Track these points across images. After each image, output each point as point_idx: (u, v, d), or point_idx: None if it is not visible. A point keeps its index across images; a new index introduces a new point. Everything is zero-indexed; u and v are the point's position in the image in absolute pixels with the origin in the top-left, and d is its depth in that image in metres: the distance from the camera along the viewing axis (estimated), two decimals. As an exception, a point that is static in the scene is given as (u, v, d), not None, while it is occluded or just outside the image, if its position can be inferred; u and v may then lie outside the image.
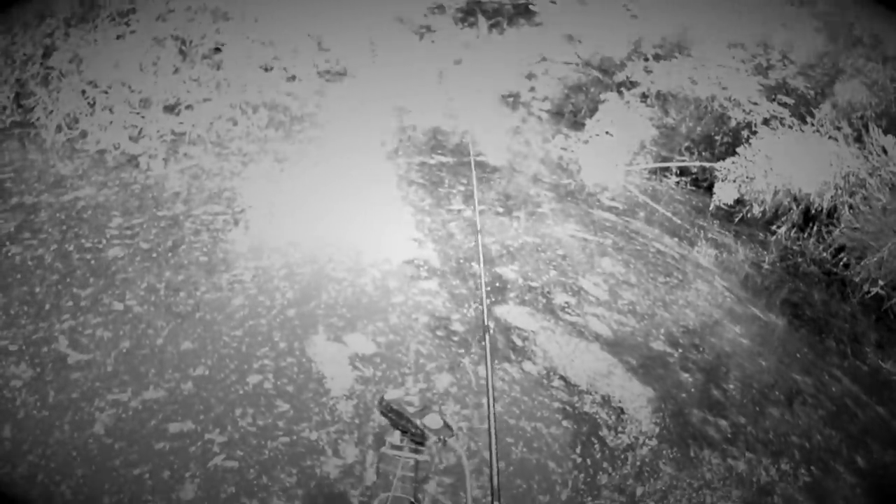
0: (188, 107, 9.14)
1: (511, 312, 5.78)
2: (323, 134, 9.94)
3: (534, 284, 6.42)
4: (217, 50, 10.71)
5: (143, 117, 8.47)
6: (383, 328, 5.25)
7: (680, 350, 5.84)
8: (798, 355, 6.31)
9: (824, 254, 8.29)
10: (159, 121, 8.59)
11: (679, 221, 9.17)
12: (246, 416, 4.14)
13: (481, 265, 2.89)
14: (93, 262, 5.38)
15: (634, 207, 9.47)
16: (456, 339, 5.22)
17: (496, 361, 5.08)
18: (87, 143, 7.83)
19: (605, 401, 4.91)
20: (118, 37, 9.37)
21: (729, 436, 4.88)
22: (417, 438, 1.92)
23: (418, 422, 1.90)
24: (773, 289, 7.78)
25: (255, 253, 6.04)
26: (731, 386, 5.51)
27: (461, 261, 6.65)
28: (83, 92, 8.40)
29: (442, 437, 1.89)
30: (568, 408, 4.74)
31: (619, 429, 4.65)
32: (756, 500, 4.36)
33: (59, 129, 7.98)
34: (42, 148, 7.76)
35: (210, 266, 5.66)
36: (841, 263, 7.96)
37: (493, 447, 1.74)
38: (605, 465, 4.31)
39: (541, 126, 13.96)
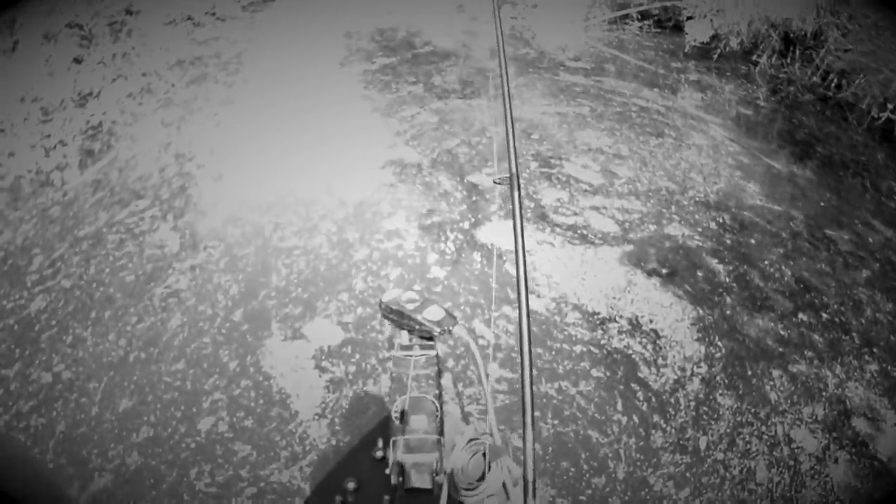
0: (96, 95, 7.29)
1: (497, 232, 4.52)
2: (259, 72, 7.94)
3: (516, 186, 5.12)
4: (126, 19, 8.70)
5: (52, 124, 6.70)
6: (348, 301, 3.97)
7: (700, 230, 4.66)
8: (822, 203, 5.16)
9: (814, 77, 6.98)
10: (72, 120, 6.81)
11: (654, 68, 7.76)
12: (203, 476, 3.06)
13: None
14: (16, 327, 4.04)
15: (602, 64, 8.01)
16: (438, 289, 3.96)
17: (492, 308, 3.85)
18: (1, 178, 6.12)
19: (634, 325, 3.78)
20: (3, 52, 7.41)
21: (782, 334, 3.80)
22: (424, 334, 1.70)
23: (419, 317, 1.68)
24: (768, 123, 6.53)
25: (189, 249, 4.62)
26: (766, 263, 4.38)
27: (425, 175, 5.31)
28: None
29: (446, 326, 1.67)
30: (594, 349, 3.60)
31: (660, 361, 3.54)
32: (831, 415, 3.33)
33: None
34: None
35: (138, 286, 4.27)
36: (833, 85, 6.69)
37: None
38: (655, 418, 3.23)
39: (483, -3, 12.13)
